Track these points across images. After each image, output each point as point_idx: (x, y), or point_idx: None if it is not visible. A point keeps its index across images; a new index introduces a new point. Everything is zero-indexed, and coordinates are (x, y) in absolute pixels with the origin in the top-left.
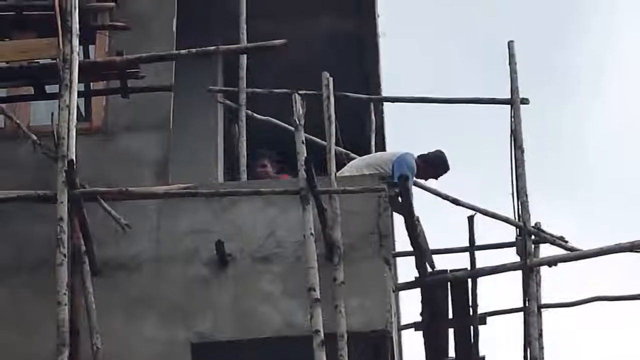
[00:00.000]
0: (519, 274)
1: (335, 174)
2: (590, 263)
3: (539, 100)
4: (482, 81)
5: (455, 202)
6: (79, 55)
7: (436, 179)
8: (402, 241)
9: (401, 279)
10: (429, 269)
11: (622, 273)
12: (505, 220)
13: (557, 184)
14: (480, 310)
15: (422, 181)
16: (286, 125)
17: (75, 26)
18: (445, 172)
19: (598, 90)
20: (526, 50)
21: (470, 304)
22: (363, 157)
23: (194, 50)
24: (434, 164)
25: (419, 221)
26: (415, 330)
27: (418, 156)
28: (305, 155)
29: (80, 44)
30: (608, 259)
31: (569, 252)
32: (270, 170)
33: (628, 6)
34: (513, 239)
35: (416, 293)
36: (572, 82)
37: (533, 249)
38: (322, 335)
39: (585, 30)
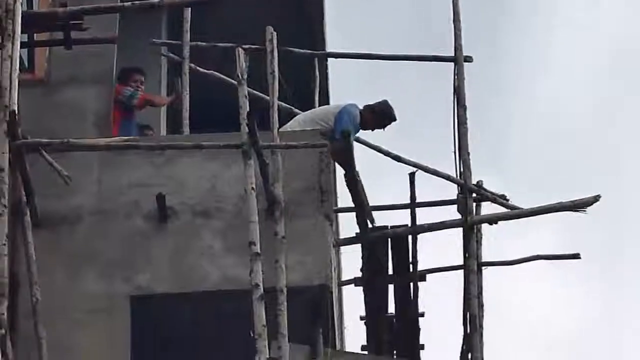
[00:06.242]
0: (460, 231)
1: (278, 129)
2: (531, 222)
3: (482, 59)
4: (428, 39)
5: (397, 158)
6: (22, 5)
7: (383, 128)
8: (343, 197)
9: (342, 235)
10: (370, 225)
11: (561, 232)
12: (447, 177)
13: (493, 143)
14: (420, 267)
15: (365, 137)
16: (230, 80)
17: None
18: (391, 121)
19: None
20: (470, 9)
21: (411, 260)
22: (306, 112)
23: (137, 2)
24: (379, 114)
25: (359, 176)
26: (356, 285)
27: (364, 107)
28: (247, 109)
29: None
30: (548, 218)
31: (509, 210)
32: (138, 87)
33: None
34: (454, 197)
35: (357, 249)
36: (516, 43)
37: (474, 207)
38: (262, 289)
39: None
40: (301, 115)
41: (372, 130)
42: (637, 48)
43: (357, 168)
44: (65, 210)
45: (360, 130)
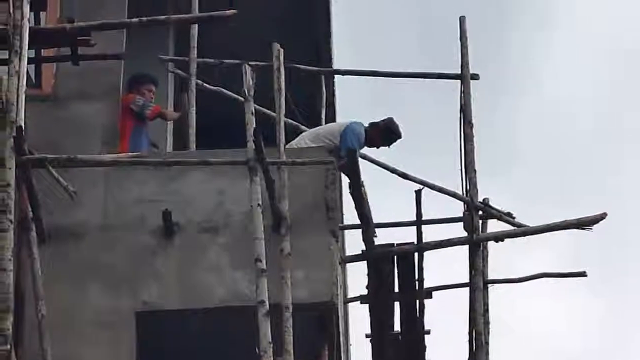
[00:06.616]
0: (466, 249)
1: (285, 146)
2: (537, 239)
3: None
4: (432, 57)
5: (404, 176)
6: (29, 21)
7: (388, 146)
8: (349, 214)
9: (348, 252)
10: (372, 238)
11: (567, 249)
12: (453, 195)
13: (495, 160)
14: (426, 285)
15: (372, 154)
16: (237, 96)
17: None
18: (397, 139)
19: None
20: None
21: (417, 277)
22: (311, 129)
23: (145, 19)
24: (385, 131)
25: (363, 186)
26: (361, 303)
27: (369, 124)
28: (254, 126)
29: (31, 10)
30: (555, 236)
31: (516, 227)
32: (152, 98)
33: None
34: (461, 214)
35: (363, 266)
36: (509, 60)
37: (480, 224)
38: (268, 306)
39: (524, 14)
40: (306, 132)
41: (378, 147)
42: None
43: (364, 184)
44: (71, 226)
45: (366, 147)
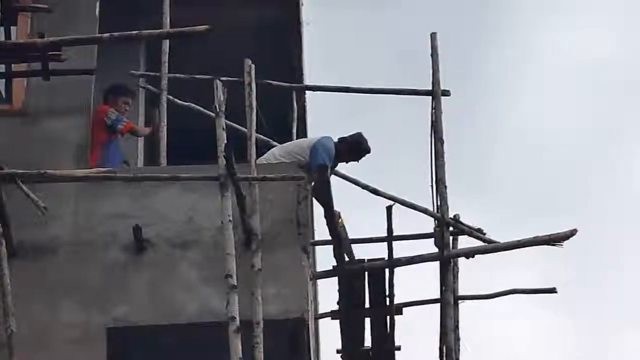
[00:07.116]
0: (436, 265)
1: (255, 161)
2: (508, 255)
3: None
4: (404, 73)
5: (375, 192)
6: None
7: (357, 161)
8: (320, 230)
9: (319, 268)
10: (347, 259)
11: (539, 266)
12: (424, 211)
13: (470, 177)
14: (396, 301)
15: (343, 170)
16: (207, 111)
17: None
18: (366, 153)
19: (514, 87)
20: (447, 44)
21: (387, 293)
22: (281, 145)
23: (116, 34)
24: (354, 146)
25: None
26: (332, 319)
27: (338, 139)
28: (225, 141)
29: (1, 25)
30: (525, 252)
31: (486, 244)
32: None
33: (550, 6)
34: (431, 230)
35: (334, 282)
36: (488, 78)
37: (451, 241)
38: (238, 322)
39: (506, 29)
40: (276, 148)
41: (347, 162)
42: (621, 78)
43: (335, 201)
44: (41, 241)
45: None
